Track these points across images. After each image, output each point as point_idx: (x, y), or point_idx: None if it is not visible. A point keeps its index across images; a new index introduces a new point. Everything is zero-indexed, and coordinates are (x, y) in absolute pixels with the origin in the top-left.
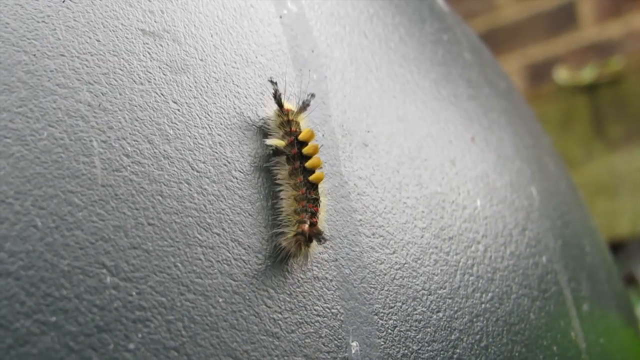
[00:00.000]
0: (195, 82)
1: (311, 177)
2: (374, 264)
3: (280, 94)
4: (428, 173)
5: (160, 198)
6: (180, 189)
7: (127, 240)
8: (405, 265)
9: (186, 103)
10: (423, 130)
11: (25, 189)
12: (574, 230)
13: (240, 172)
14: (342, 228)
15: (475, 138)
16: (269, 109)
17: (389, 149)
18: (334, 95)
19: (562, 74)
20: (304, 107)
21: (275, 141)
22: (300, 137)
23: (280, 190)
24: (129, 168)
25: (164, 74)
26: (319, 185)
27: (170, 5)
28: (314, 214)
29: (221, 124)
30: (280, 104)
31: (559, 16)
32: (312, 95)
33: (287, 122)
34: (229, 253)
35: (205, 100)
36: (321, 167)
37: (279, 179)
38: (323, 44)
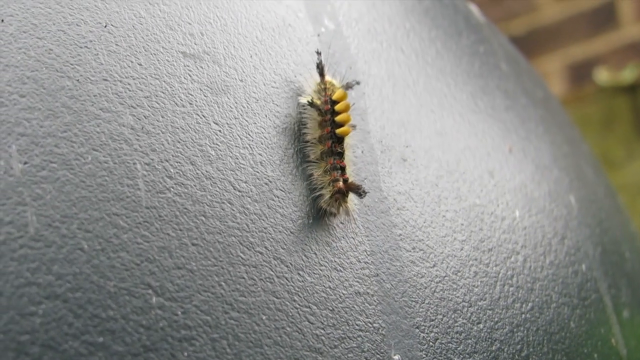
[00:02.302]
0: (236, 102)
1: (338, 130)
2: (414, 277)
3: (323, 65)
4: (467, 185)
5: (203, 218)
6: (222, 209)
7: (171, 261)
8: (446, 278)
9: (227, 124)
10: (461, 143)
11: (71, 212)
12: (613, 236)
13: (281, 190)
14: (382, 243)
15: (512, 149)
16: (311, 81)
17: (428, 163)
18: (373, 112)
19: (602, 75)
20: (346, 87)
21: (310, 97)
22: (335, 96)
23: (308, 143)
24: (172, 190)
25: (205, 96)
26: (345, 140)
27: (210, 27)
28: (343, 169)
29: (262, 144)
30: (322, 74)
31: (600, 16)
32: (357, 82)
33: (324, 89)
34: (272, 271)
35: (246, 121)
36: (350, 124)
37: (307, 126)
38: (361, 61)
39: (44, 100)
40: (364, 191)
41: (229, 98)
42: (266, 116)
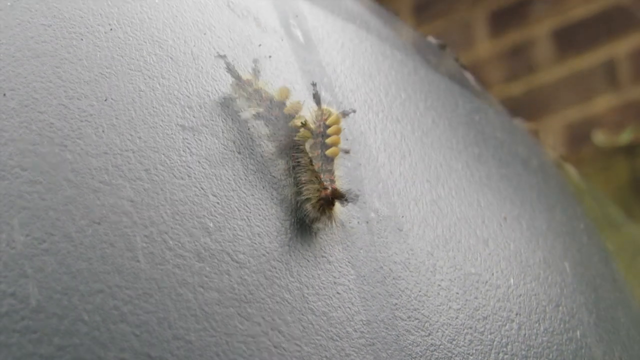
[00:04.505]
0: (234, 174)
1: (328, 151)
2: (410, 346)
3: (319, 96)
4: (462, 255)
5: (202, 290)
6: (221, 280)
7: (170, 332)
8: (441, 346)
9: (225, 196)
10: (456, 213)
11: (72, 284)
12: (607, 302)
13: (278, 261)
14: (378, 312)
15: (507, 217)
16: (309, 110)
17: (423, 233)
18: (369, 182)
19: (600, 136)
20: (342, 115)
21: (303, 119)
22: (328, 121)
23: (300, 163)
24: (171, 262)
25: (203, 168)
26: (334, 160)
27: (208, 100)
28: (332, 181)
29: (259, 215)
30: (318, 103)
31: (599, 76)
32: (354, 111)
33: (321, 115)
34: (269, 341)
35: (244, 192)
36: (339, 145)
37: (299, 148)
38: (357, 132)
39: (45, 174)
40: (346, 199)
41: (227, 170)
42: (263, 187)
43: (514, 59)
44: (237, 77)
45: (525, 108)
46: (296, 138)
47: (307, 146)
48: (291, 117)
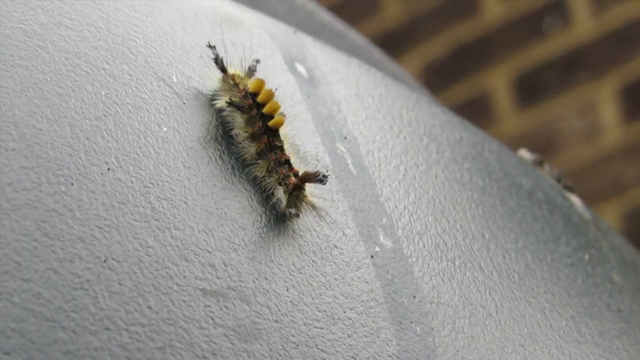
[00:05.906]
0: (270, 350)
1: (271, 122)
2: None
3: (222, 58)
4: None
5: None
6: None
7: None
8: None
9: None
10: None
11: None
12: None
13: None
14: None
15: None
16: (214, 79)
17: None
18: (444, 352)
19: None
20: (250, 72)
21: (226, 97)
22: (252, 88)
23: (240, 145)
24: None
25: (231, 344)
26: (280, 131)
27: (235, 255)
28: (288, 162)
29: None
30: (223, 69)
31: None
32: (258, 61)
33: (234, 84)
34: None
35: None
36: (280, 112)
37: (233, 128)
38: (427, 287)
39: (34, 358)
40: (323, 176)
41: (261, 344)
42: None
43: None
44: (223, 70)
45: None
46: (232, 129)
47: (242, 124)
48: (263, 105)
